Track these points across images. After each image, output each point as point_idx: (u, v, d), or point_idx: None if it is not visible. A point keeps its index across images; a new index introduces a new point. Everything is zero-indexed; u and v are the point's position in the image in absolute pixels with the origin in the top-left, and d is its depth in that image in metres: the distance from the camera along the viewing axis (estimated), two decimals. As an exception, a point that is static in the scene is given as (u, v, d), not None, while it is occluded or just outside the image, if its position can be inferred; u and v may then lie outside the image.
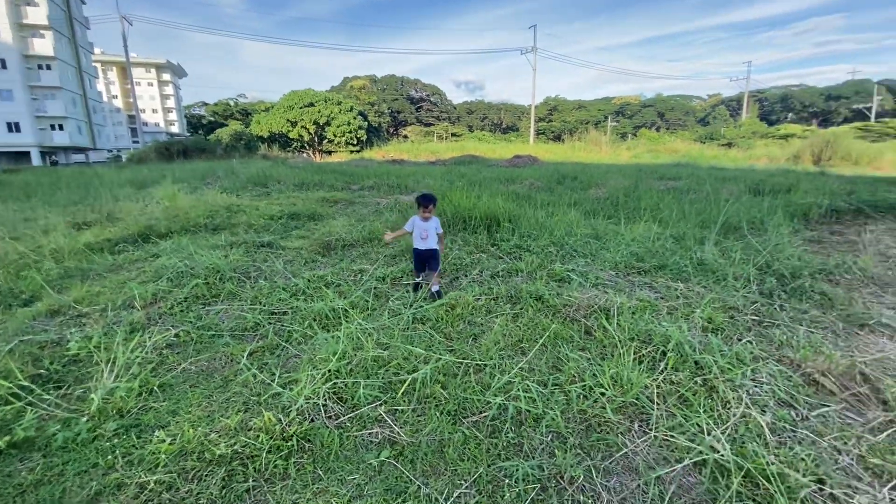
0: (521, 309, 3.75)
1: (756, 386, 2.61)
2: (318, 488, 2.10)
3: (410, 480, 2.13)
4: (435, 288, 4.16)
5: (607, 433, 2.34)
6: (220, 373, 3.10)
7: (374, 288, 4.36)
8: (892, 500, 1.85)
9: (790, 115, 65.78)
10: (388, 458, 2.27)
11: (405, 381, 2.79)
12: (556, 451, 2.24)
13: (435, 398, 2.69)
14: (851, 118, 54.16)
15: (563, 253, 5.03)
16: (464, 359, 3.05)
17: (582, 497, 1.99)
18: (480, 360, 3.03)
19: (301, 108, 36.80)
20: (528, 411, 2.51)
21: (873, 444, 2.14)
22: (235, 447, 2.29)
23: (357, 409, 2.63)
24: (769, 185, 9.31)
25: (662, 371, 2.75)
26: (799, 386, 2.62)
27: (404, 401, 2.68)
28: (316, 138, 38.04)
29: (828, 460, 2.07)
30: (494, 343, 3.22)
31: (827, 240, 5.75)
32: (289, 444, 2.32)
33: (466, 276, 4.68)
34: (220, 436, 2.37)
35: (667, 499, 1.92)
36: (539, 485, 2.06)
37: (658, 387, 2.63)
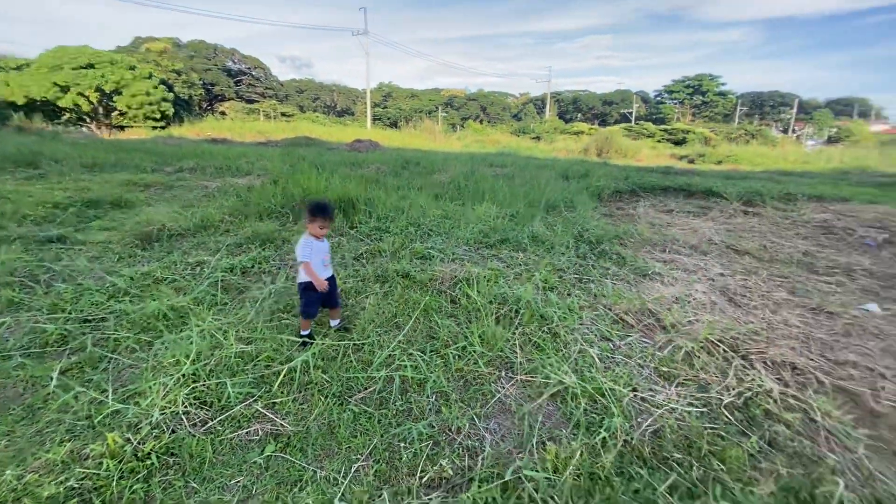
0: (390, 287, 3.85)
1: (585, 328, 3.26)
2: (195, 502, 1.86)
3: (304, 468, 2.05)
4: (336, 322, 3.20)
5: (482, 384, 2.64)
6: (19, 401, 2.41)
7: (222, 280, 3.90)
8: (677, 394, 2.57)
9: (579, 115, 79.88)
10: (274, 452, 2.14)
11: (280, 373, 2.63)
12: (442, 408, 2.44)
13: (317, 384, 2.61)
14: (620, 120, 68.77)
15: (421, 232, 5.28)
16: (340, 341, 3.01)
17: (469, 442, 2.22)
18: (358, 340, 3.03)
19: (75, 69, 28.86)
20: (413, 378, 2.65)
21: (662, 357, 2.92)
22: (69, 483, 1.85)
23: (227, 409, 2.38)
24: (572, 172, 11.30)
25: (518, 326, 3.20)
26: (612, 324, 3.36)
27: (282, 392, 2.53)
28: (101, 109, 30.56)
29: (636, 374, 2.75)
30: (370, 322, 3.25)
31: (615, 214, 7.34)
32: (146, 463, 1.99)
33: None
34: (42, 475, 1.88)
35: (536, 427, 2.30)
36: (432, 440, 2.22)
37: (516, 339, 3.06)
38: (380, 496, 1.90)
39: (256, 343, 2.93)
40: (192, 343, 2.79)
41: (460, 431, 2.29)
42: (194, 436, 2.18)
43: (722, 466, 2.05)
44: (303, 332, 3.03)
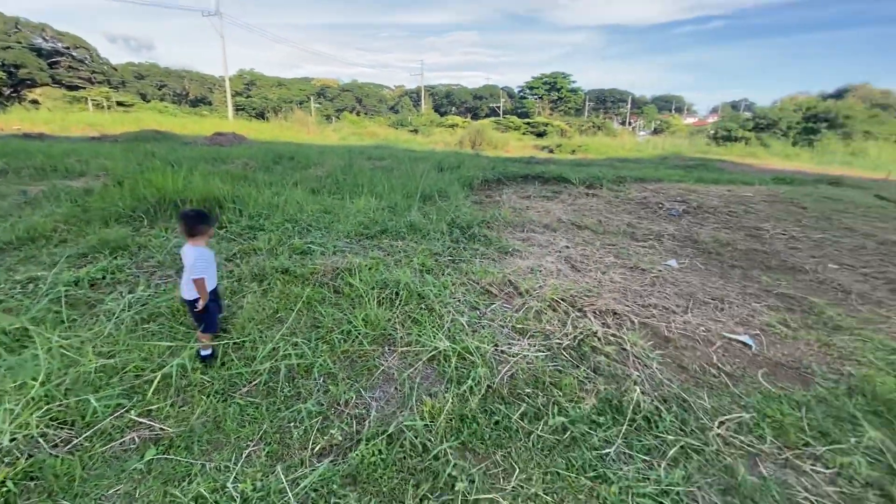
0: (269, 284, 3.83)
1: (456, 301, 3.69)
2: (69, 518, 1.79)
3: (191, 464, 2.08)
4: (207, 352, 2.82)
5: (367, 361, 2.88)
6: None
7: (66, 295, 3.47)
8: (528, 345, 3.12)
9: (453, 108, 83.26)
10: (155, 455, 2.11)
11: (154, 380, 2.54)
12: (330, 387, 2.62)
13: (196, 385, 2.58)
14: (489, 114, 73.38)
15: (300, 228, 5.25)
16: (218, 340, 2.97)
17: (357, 411, 2.46)
18: (238, 338, 3.02)
19: None
20: (299, 365, 2.77)
21: (517, 317, 3.48)
22: None
23: (94, 425, 2.25)
24: (446, 163, 11.97)
25: (398, 306, 3.50)
26: (479, 295, 3.86)
27: (158, 399, 2.46)
28: None
29: (497, 333, 3.25)
30: (249, 319, 3.24)
31: (484, 201, 8.08)
32: (3, 490, 1.83)
33: (196, 263, 4.28)
34: None
35: (415, 388, 2.62)
36: (321, 416, 2.40)
37: (397, 318, 3.35)
38: (273, 472, 2.04)
39: (120, 356, 2.74)
40: (37, 365, 2.51)
41: (348, 404, 2.51)
42: (57, 456, 2.04)
43: (560, 393, 2.62)
44: (204, 353, 2.77)
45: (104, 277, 3.89)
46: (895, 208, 8.84)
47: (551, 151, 29.68)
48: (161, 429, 2.26)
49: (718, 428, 2.43)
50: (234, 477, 2.00)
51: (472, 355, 2.89)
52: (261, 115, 52.15)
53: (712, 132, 36.24)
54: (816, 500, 2.00)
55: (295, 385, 2.64)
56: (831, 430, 2.44)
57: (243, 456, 2.14)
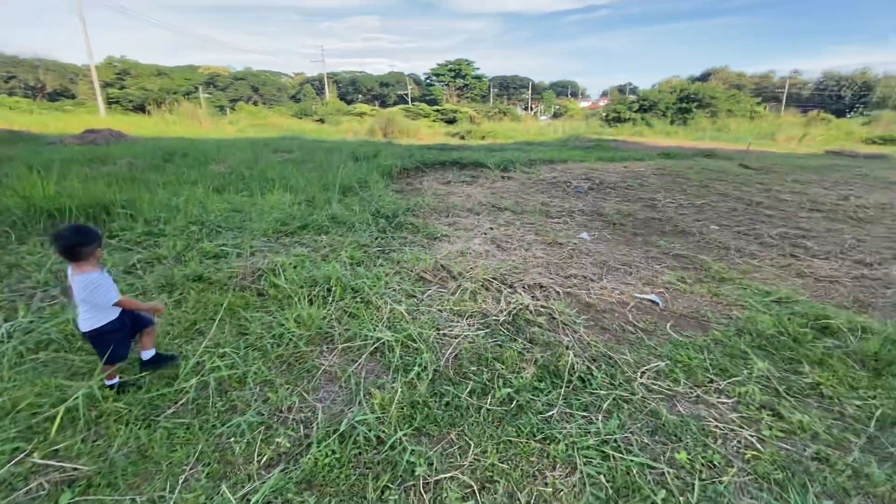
0: (181, 294, 3.47)
1: (392, 291, 3.66)
2: None
3: (118, 500, 1.85)
4: (150, 353, 2.58)
5: (306, 362, 2.76)
6: None
7: (-87, 333, 2.84)
8: (468, 325, 3.20)
9: (360, 96, 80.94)
10: (72, 499, 1.84)
11: (56, 416, 2.19)
12: (268, 395, 2.47)
13: (110, 415, 2.28)
14: (398, 101, 72.60)
15: (207, 230, 4.79)
16: (129, 362, 2.64)
17: (302, 415, 2.35)
18: (153, 356, 2.70)
19: None
20: (230, 377, 2.57)
21: (454, 300, 3.54)
22: None
23: (-19, 479, 1.89)
24: (361, 152, 11.66)
25: (332, 302, 3.38)
26: (414, 282, 3.86)
27: (64, 436, 2.13)
28: None
29: (437, 317, 3.29)
30: (164, 335, 2.92)
31: (405, 189, 8.03)
32: None
33: (86, 279, 3.73)
34: None
35: (361, 383, 2.57)
36: (263, 426, 2.26)
37: (332, 314, 3.24)
38: (218, 492, 1.88)
39: (7, 393, 2.32)
40: None
41: (291, 409, 2.38)
42: (-67, 526, 1.68)
43: (502, 366, 2.73)
44: (109, 382, 2.41)
45: (-35, 307, 3.24)
46: (756, 174, 10.41)
47: (462, 138, 30.24)
48: (74, 469, 1.97)
49: (641, 378, 2.72)
50: (173, 506, 1.82)
51: (416, 342, 2.89)
52: (140, 109, 46.22)
53: (604, 114, 39.45)
54: (724, 426, 2.33)
55: (228, 398, 2.44)
56: (729, 367, 2.85)
57: (179, 482, 1.94)
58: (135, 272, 3.86)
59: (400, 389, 2.45)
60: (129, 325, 2.41)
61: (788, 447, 2.22)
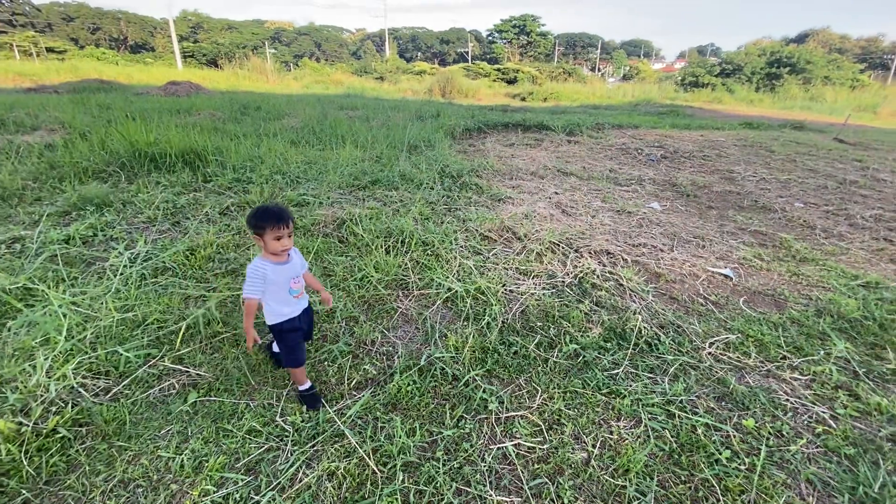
0: (270, 236, 3.81)
1: (460, 247, 3.81)
2: (131, 455, 1.89)
3: (235, 403, 2.18)
4: (304, 386, 2.21)
5: (385, 304, 3.00)
6: None
7: (62, 255, 3.36)
8: (533, 284, 3.30)
9: (419, 53, 79.55)
10: (199, 398, 2.20)
11: (179, 331, 2.58)
12: (354, 329, 2.74)
13: (221, 333, 2.64)
14: (457, 59, 70.71)
15: (289, 180, 5.14)
16: (234, 291, 3.00)
17: (384, 348, 2.60)
18: (253, 288, 3.05)
19: None
20: (320, 311, 2.85)
21: (520, 260, 3.64)
22: (-37, 477, 1.69)
23: (128, 374, 2.30)
24: (424, 112, 11.68)
25: (406, 253, 3.58)
26: (480, 240, 3.98)
27: (187, 347, 2.51)
28: None
29: (504, 274, 3.41)
30: (260, 270, 3.26)
31: (468, 150, 8.04)
32: (56, 437, 1.90)
33: (189, 218, 4.18)
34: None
35: (436, 326, 2.77)
36: (351, 354, 2.53)
37: (407, 264, 3.45)
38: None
39: (138, 309, 2.75)
40: (57, 320, 2.49)
41: (374, 343, 2.64)
42: (101, 403, 2.10)
43: (568, 324, 2.83)
44: (301, 388, 2.20)
45: (95, 235, 3.77)
46: (853, 150, 9.38)
47: (523, 99, 29.19)
48: (197, 374, 2.34)
49: (710, 347, 2.72)
50: (281, 411, 2.13)
51: (484, 295, 3.05)
52: (213, 63, 48.31)
53: (680, 78, 36.33)
54: (795, 401, 2.32)
55: (320, 329, 2.73)
56: (805, 346, 2.78)
57: (284, 394, 2.26)
58: (230, 214, 4.26)
59: (472, 335, 2.63)
60: (300, 330, 2.15)
61: (863, 427, 2.19)
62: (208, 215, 4.23)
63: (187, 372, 2.36)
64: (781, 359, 2.67)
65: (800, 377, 2.52)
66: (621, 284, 3.39)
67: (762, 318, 3.08)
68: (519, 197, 5.32)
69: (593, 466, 1.91)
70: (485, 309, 2.92)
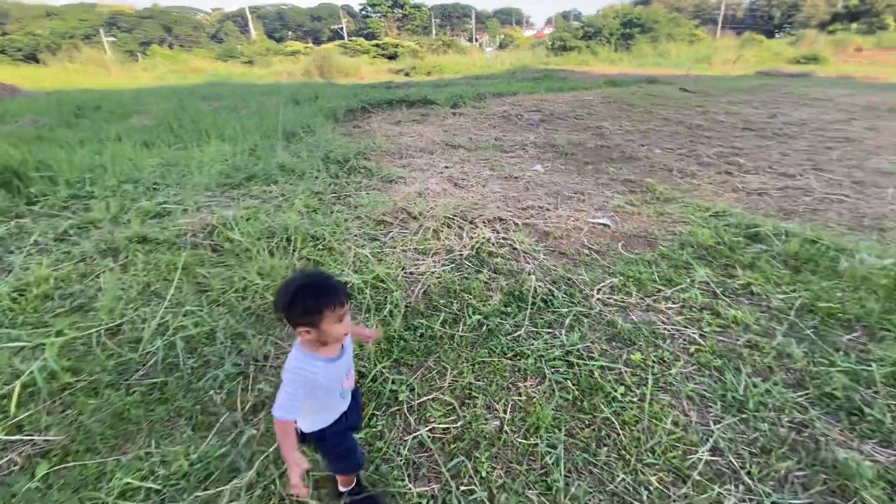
0: (127, 258, 3.26)
1: (354, 236, 3.62)
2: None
3: (102, 462, 1.84)
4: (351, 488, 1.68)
5: (272, 315, 2.74)
6: None
7: None
8: (433, 262, 3.26)
9: (289, 32, 73.89)
10: (50, 468, 1.81)
11: (11, 394, 2.09)
12: (241, 346, 2.46)
13: (72, 385, 2.20)
14: (333, 37, 67.04)
15: (144, 189, 4.43)
16: (83, 331, 2.51)
17: (279, 361, 2.37)
18: (110, 323, 2.59)
19: None
20: (199, 333, 2.52)
21: (418, 240, 3.57)
22: None
23: (-57, 463, 1.81)
24: (301, 95, 10.90)
25: (294, 251, 3.31)
26: (375, 226, 3.83)
27: (25, 409, 2.05)
28: None
29: (402, 257, 3.32)
30: (116, 300, 2.77)
31: (353, 132, 7.68)
32: None
33: (13, 251, 3.41)
34: None
35: (335, 326, 2.60)
36: (242, 375, 2.27)
37: (295, 264, 3.18)
38: (205, 440, 1.92)
39: (-52, 376, 2.17)
40: None
41: (267, 357, 2.40)
42: None
43: (470, 296, 2.85)
44: (346, 489, 1.65)
45: None
46: (695, 98, 10.76)
47: (407, 74, 28.76)
48: (45, 440, 1.92)
49: (598, 294, 2.93)
50: (162, 459, 1.84)
51: (384, 282, 2.93)
52: (31, 58, 40.05)
53: (550, 43, 38.53)
54: (671, 328, 2.60)
55: (200, 354, 2.41)
56: (674, 277, 3.12)
57: (164, 438, 1.95)
58: (68, 239, 3.56)
59: (375, 327, 2.51)
60: (348, 424, 1.52)
61: (725, 339, 2.52)
62: (38, 244, 3.49)
63: (31, 440, 1.93)
64: (657, 292, 2.97)
65: (672, 305, 2.82)
66: (515, 248, 3.49)
67: (638, 258, 3.39)
68: (410, 175, 5.22)
69: (506, 432, 1.94)
70: (385, 297, 2.81)
